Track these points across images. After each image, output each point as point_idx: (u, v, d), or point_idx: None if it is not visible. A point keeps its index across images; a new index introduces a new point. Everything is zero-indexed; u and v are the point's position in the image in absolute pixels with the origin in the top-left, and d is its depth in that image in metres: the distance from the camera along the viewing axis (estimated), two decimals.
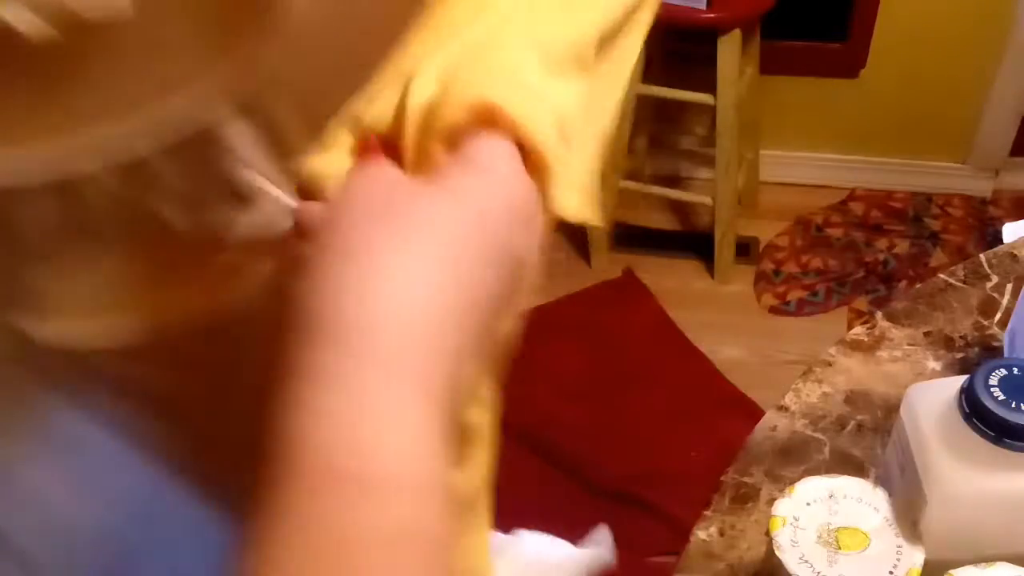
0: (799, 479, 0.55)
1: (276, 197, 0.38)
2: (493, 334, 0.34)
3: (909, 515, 0.53)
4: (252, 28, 0.36)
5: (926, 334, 0.79)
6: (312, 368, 0.29)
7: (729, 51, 1.82)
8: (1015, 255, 0.87)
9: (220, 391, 0.46)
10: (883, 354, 0.77)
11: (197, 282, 0.41)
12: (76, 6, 0.30)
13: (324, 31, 0.41)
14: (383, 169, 0.34)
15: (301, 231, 0.35)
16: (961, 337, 0.79)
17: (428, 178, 0.34)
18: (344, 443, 0.28)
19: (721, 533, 0.65)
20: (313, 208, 0.35)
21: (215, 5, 0.36)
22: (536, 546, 0.39)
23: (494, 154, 0.34)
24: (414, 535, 0.27)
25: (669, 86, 1.97)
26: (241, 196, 0.38)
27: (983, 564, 0.50)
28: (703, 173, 2.35)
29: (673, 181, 2.36)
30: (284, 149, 0.39)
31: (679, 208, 2.29)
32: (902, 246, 2.17)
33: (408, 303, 0.30)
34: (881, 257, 2.14)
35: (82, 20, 0.31)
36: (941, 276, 0.85)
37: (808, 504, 0.54)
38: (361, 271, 0.30)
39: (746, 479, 0.68)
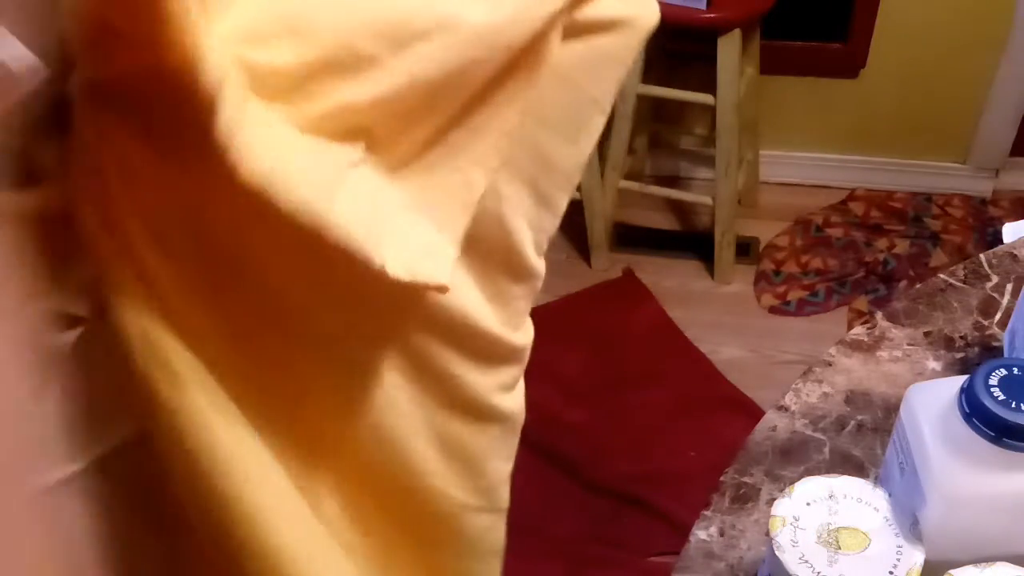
0: (799, 479, 0.55)
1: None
2: None
3: (909, 515, 0.53)
4: None
5: (926, 334, 0.79)
6: None
7: (729, 51, 1.82)
8: (1015, 255, 0.87)
9: None
10: (883, 354, 0.77)
11: None
12: None
13: None
14: None
15: None
16: (961, 337, 0.79)
17: None
18: None
19: (721, 533, 0.65)
20: None
21: None
22: None
23: None
24: None
25: (669, 86, 1.96)
26: None
27: (983, 564, 0.50)
28: (703, 173, 2.35)
29: (673, 181, 2.36)
30: None
31: (679, 208, 2.29)
32: (902, 246, 2.17)
33: None
34: (881, 257, 2.14)
35: None
36: (941, 276, 0.85)
37: (808, 504, 0.54)
38: None
39: (746, 479, 0.68)
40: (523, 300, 0.51)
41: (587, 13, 0.46)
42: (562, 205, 0.50)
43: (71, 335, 0.41)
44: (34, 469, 0.40)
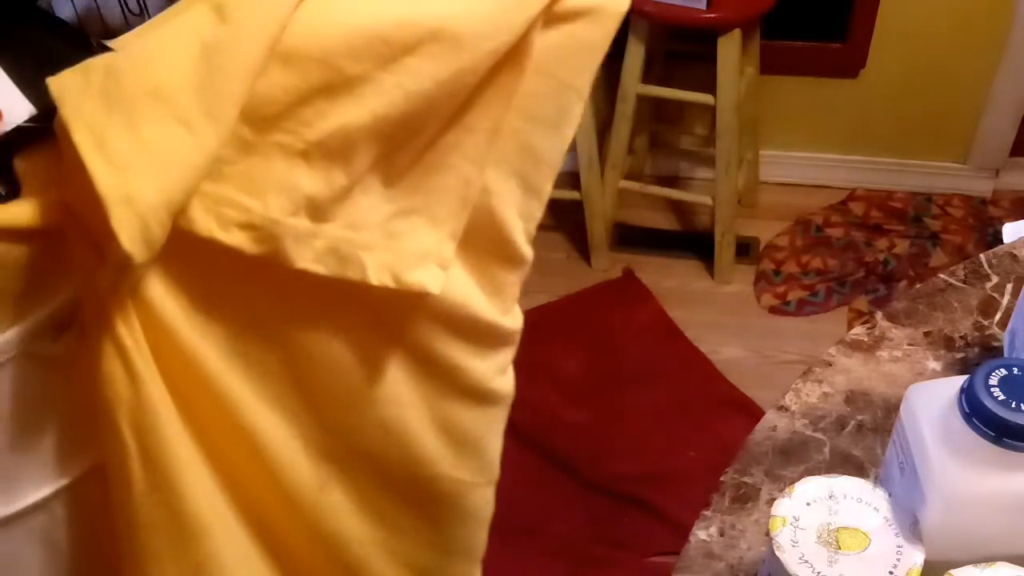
0: (799, 479, 0.55)
1: None
2: None
3: (909, 515, 0.53)
4: None
5: (926, 334, 0.79)
6: None
7: (729, 51, 1.82)
8: (1015, 255, 0.87)
9: None
10: (883, 354, 0.77)
11: None
12: None
13: None
14: None
15: None
16: (961, 337, 0.79)
17: None
18: None
19: (721, 533, 0.65)
20: None
21: None
22: None
23: None
24: None
25: (669, 86, 1.96)
26: None
27: (983, 564, 0.50)
28: (703, 173, 2.35)
29: (673, 181, 2.36)
30: None
31: (679, 208, 2.29)
32: (902, 246, 2.17)
33: None
34: (881, 257, 2.14)
35: None
36: (941, 276, 0.85)
37: (808, 504, 0.54)
38: None
39: (746, 479, 0.68)
40: (515, 286, 0.52)
41: (562, 4, 0.47)
42: (547, 192, 0.52)
43: (55, 347, 0.41)
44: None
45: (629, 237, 2.21)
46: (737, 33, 1.80)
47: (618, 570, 1.58)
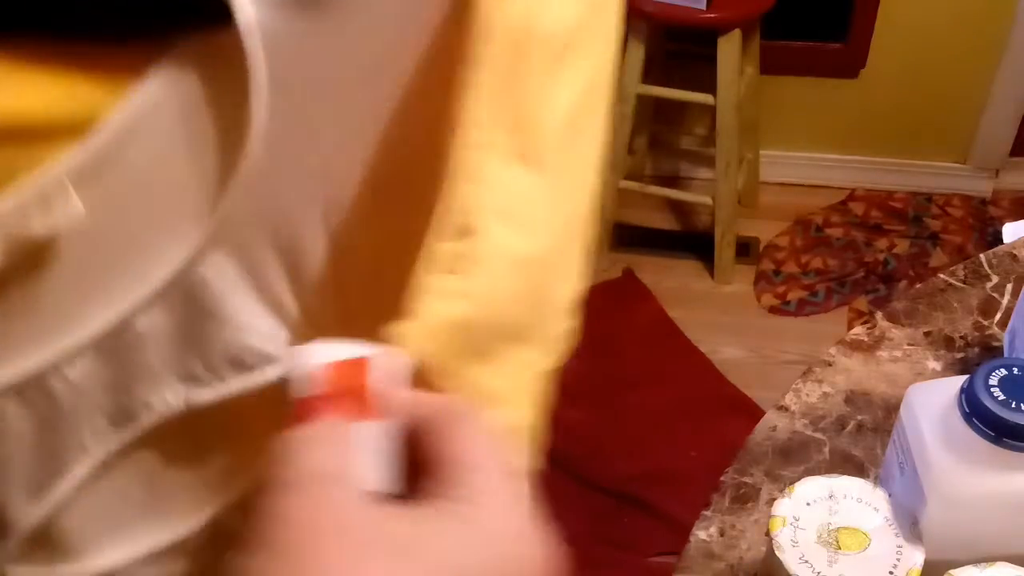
0: (799, 479, 0.55)
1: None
2: None
3: (909, 515, 0.53)
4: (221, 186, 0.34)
5: (926, 334, 0.79)
6: None
7: (729, 51, 1.82)
8: (1015, 255, 0.87)
9: None
10: (883, 354, 0.77)
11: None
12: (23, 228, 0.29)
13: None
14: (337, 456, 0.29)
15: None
16: (961, 337, 0.79)
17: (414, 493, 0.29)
18: None
19: (721, 533, 0.65)
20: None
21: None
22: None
23: (494, 489, 0.29)
24: None
25: (669, 86, 1.97)
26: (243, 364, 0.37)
27: (983, 564, 0.50)
28: (703, 173, 2.35)
29: (673, 181, 2.36)
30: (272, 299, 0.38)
31: (679, 208, 2.29)
32: (902, 246, 2.17)
33: None
34: (881, 257, 2.14)
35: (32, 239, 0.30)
36: (941, 276, 0.85)
37: (808, 504, 0.54)
38: None
39: (746, 479, 0.68)
40: None
41: None
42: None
43: None
44: None
45: (629, 237, 2.21)
46: (737, 33, 1.81)
47: (618, 570, 1.58)
